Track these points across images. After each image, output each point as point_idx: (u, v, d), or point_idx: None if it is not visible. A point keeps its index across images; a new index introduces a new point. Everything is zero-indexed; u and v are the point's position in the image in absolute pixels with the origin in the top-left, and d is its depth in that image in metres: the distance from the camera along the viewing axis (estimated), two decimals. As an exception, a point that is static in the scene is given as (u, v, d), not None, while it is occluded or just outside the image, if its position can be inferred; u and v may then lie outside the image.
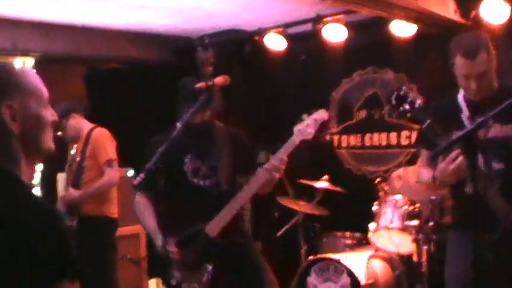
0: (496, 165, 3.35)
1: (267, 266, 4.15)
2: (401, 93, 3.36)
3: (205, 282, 3.81)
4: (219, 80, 3.75)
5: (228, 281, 3.92)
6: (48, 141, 1.85)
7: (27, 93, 1.80)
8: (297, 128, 3.86)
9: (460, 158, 3.03)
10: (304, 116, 3.93)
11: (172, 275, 3.93)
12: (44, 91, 1.86)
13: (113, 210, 5.59)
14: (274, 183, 3.92)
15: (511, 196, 3.16)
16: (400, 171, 6.18)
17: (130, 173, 6.48)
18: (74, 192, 5.44)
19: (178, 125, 3.64)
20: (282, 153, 3.85)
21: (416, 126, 5.53)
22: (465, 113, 3.44)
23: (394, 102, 3.38)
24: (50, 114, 1.86)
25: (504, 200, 3.14)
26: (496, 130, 3.31)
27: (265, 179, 3.84)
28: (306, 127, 3.85)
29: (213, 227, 3.83)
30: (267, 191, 4.00)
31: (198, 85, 3.73)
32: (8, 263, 1.57)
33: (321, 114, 3.91)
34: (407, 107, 3.34)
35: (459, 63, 3.36)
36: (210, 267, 3.81)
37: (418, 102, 3.31)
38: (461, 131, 2.79)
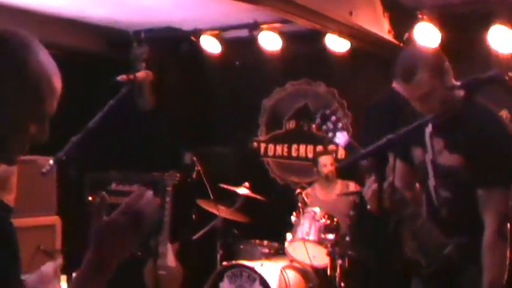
0: (443, 193, 3.11)
1: None
2: (327, 112, 3.32)
3: None
4: (141, 74, 3.67)
5: None
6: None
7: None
8: None
9: (375, 185, 2.66)
10: None
11: None
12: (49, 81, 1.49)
13: (8, 198, 5.40)
14: None
15: (449, 227, 3.05)
16: (309, 190, 6.22)
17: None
18: None
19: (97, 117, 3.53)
20: None
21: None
22: (429, 129, 3.10)
23: (318, 120, 3.33)
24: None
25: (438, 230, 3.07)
26: (444, 157, 3.04)
27: None
28: None
29: None
30: None
31: (119, 77, 3.64)
32: None
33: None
34: (330, 126, 3.29)
35: (397, 86, 3.00)
36: None
37: (340, 124, 3.27)
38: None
